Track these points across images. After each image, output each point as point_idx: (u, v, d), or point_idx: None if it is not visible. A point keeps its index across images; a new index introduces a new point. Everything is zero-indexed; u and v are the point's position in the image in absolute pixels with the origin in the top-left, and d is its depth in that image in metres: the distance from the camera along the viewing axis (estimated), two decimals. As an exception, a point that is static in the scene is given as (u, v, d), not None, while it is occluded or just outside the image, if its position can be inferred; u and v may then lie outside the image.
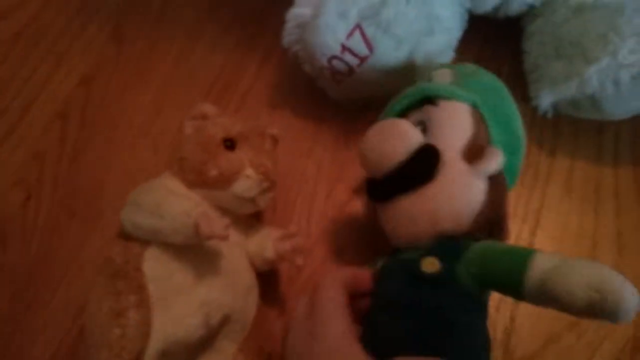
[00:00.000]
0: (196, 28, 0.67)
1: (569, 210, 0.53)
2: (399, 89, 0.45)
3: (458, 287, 0.34)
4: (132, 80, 0.63)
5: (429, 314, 0.34)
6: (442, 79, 0.45)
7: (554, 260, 0.30)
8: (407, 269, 0.36)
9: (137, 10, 0.69)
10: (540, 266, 0.30)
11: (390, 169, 0.39)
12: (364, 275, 0.38)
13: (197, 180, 0.43)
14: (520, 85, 0.58)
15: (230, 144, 0.44)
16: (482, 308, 0.35)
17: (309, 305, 0.36)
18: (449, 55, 0.53)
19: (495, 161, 0.38)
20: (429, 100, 0.41)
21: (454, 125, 0.40)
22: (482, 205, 0.38)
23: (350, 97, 0.56)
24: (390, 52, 0.49)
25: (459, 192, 0.38)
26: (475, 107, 0.41)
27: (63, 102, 0.62)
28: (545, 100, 0.53)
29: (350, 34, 0.47)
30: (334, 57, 0.49)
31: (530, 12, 0.56)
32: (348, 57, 0.48)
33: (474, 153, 0.39)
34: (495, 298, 0.49)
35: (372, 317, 0.37)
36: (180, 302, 0.39)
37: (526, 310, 0.48)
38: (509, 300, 0.49)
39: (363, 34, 0.47)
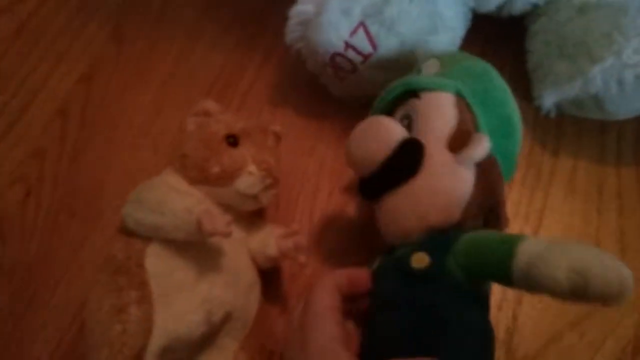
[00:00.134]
0: (196, 27, 0.67)
1: (571, 211, 0.53)
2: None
3: (450, 280, 0.33)
4: (132, 79, 0.63)
5: (423, 311, 0.33)
6: (430, 69, 0.44)
7: (540, 245, 0.29)
8: (399, 266, 0.36)
9: (138, 10, 0.69)
10: (526, 252, 0.29)
11: (375, 167, 0.39)
12: (361, 276, 0.38)
13: (199, 177, 0.43)
14: (523, 84, 0.58)
15: (232, 140, 0.44)
16: (478, 300, 0.35)
17: (303, 308, 0.36)
18: (452, 54, 0.53)
19: (480, 147, 0.37)
20: (413, 93, 0.41)
21: (437, 116, 0.40)
22: (472, 194, 0.37)
23: (353, 95, 0.56)
24: (393, 50, 0.49)
25: (444, 184, 0.37)
26: (459, 95, 0.40)
27: (63, 100, 0.62)
28: (549, 99, 0.53)
29: (353, 32, 0.47)
30: (337, 54, 0.49)
31: (534, 11, 0.56)
32: (351, 55, 0.48)
33: (459, 142, 0.38)
34: (497, 297, 0.49)
35: (371, 317, 0.36)
36: (182, 298, 0.38)
37: (528, 309, 0.48)
38: (511, 299, 0.49)
39: (367, 32, 0.47)
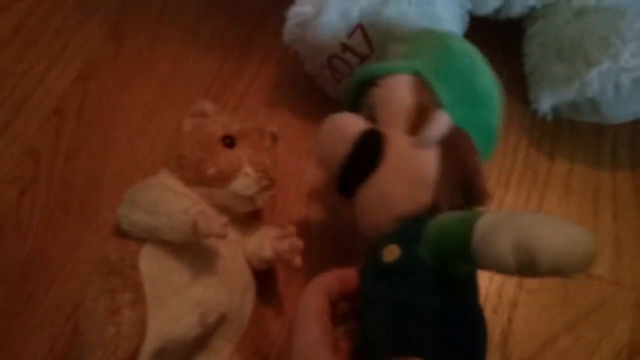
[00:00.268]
0: (195, 28, 0.67)
1: (567, 214, 0.53)
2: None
3: (423, 269, 0.32)
4: (130, 79, 0.63)
5: (401, 305, 0.32)
6: (394, 53, 0.44)
7: (492, 221, 0.28)
8: (374, 262, 0.36)
9: (136, 9, 0.69)
10: (480, 230, 0.28)
11: (340, 165, 0.39)
12: (349, 276, 0.37)
13: (195, 177, 0.43)
14: (520, 87, 0.58)
15: (229, 141, 0.44)
16: (459, 285, 0.33)
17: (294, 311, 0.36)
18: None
19: (437, 124, 0.35)
20: (372, 82, 0.40)
21: (392, 100, 0.38)
22: (439, 173, 0.36)
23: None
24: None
25: (405, 170, 0.36)
26: (416, 75, 0.39)
27: (59, 98, 0.62)
28: (545, 103, 0.53)
29: (351, 33, 0.47)
30: (335, 56, 0.49)
31: (532, 14, 0.56)
32: (349, 57, 0.48)
33: (419, 124, 0.36)
34: (492, 300, 0.49)
35: (360, 317, 0.36)
36: (176, 300, 0.38)
37: (524, 312, 0.48)
38: (507, 302, 0.49)
39: (364, 34, 0.47)
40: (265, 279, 0.48)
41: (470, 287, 0.34)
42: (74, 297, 0.49)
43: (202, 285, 0.40)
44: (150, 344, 0.36)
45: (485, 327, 0.33)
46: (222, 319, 0.41)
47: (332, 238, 0.52)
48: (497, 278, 0.50)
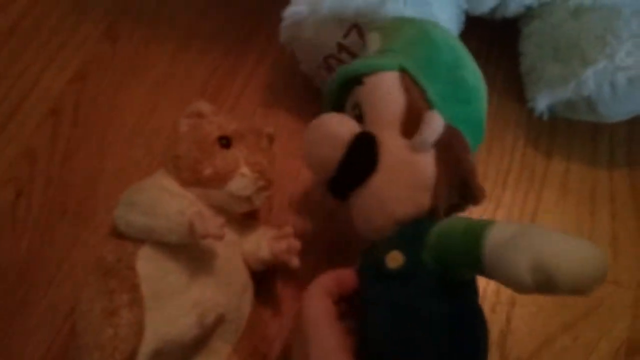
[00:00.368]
0: (191, 28, 0.67)
1: (564, 213, 0.53)
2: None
3: (426, 275, 0.32)
4: (126, 78, 0.63)
5: (402, 310, 0.32)
6: (373, 45, 0.42)
7: (504, 235, 0.28)
8: (375, 267, 0.35)
9: (132, 10, 0.68)
10: (488, 246, 0.28)
11: (333, 169, 0.38)
12: (347, 276, 0.37)
13: (191, 178, 0.43)
14: (516, 87, 0.58)
15: (225, 142, 0.44)
16: (460, 289, 0.33)
17: (298, 318, 0.36)
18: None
19: (432, 127, 0.35)
20: (357, 80, 0.39)
21: (383, 101, 0.37)
22: (436, 175, 0.35)
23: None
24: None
25: (404, 175, 0.36)
26: (403, 71, 0.37)
27: (56, 99, 0.62)
28: (542, 102, 0.53)
29: (347, 34, 0.47)
30: (331, 56, 0.48)
31: (528, 14, 0.56)
32: (345, 57, 0.48)
33: (412, 123, 0.36)
34: (490, 299, 0.49)
35: (359, 317, 0.36)
36: (174, 301, 0.38)
37: (522, 311, 0.48)
38: (505, 301, 0.49)
39: (360, 34, 0.47)
40: (263, 279, 0.48)
41: (470, 290, 0.34)
42: (71, 298, 0.49)
43: (200, 286, 0.40)
44: (148, 345, 0.36)
45: (487, 330, 0.34)
46: (220, 320, 0.41)
47: (329, 238, 0.52)
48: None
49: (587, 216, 0.53)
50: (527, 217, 0.53)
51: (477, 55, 0.57)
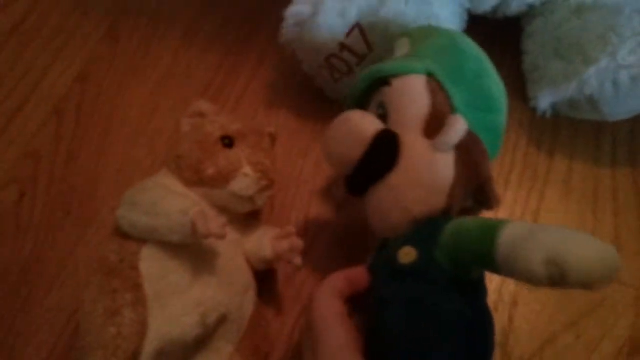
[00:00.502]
0: (192, 27, 0.67)
1: (567, 212, 0.53)
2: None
3: (438, 272, 0.33)
4: (128, 78, 0.63)
5: (414, 306, 0.33)
6: (401, 50, 0.43)
7: (517, 234, 0.28)
8: (388, 262, 0.36)
9: (133, 10, 0.69)
10: (503, 244, 0.29)
11: (354, 165, 0.39)
12: (359, 274, 0.37)
13: (194, 178, 0.43)
14: (519, 85, 0.58)
15: (228, 142, 0.44)
16: (471, 288, 0.34)
17: (307, 318, 0.36)
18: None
19: (455, 130, 0.36)
20: (384, 80, 0.40)
21: (409, 103, 0.38)
22: (454, 177, 0.36)
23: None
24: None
25: (423, 175, 0.36)
26: (430, 76, 0.38)
27: (58, 99, 0.62)
28: (544, 101, 0.53)
29: (349, 33, 0.47)
30: (333, 55, 0.49)
31: (530, 13, 0.56)
32: (347, 56, 0.48)
33: (435, 126, 0.37)
34: (493, 298, 0.49)
35: (370, 314, 0.36)
36: (176, 301, 0.38)
37: (524, 310, 0.48)
38: (507, 300, 0.49)
39: (362, 33, 0.47)
40: (265, 279, 0.48)
41: (481, 290, 0.35)
42: (74, 298, 0.50)
43: (202, 285, 0.40)
44: (150, 345, 0.36)
45: (494, 329, 0.34)
46: (222, 320, 0.41)
47: (331, 237, 0.52)
48: (497, 276, 0.49)
49: (590, 215, 0.53)
50: (530, 216, 0.53)
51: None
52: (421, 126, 0.37)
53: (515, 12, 0.55)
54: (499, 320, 0.48)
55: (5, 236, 0.53)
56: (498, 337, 0.47)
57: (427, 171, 0.36)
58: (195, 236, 0.37)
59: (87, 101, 0.62)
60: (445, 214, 0.37)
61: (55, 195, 0.56)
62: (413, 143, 0.37)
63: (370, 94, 0.42)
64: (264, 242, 0.45)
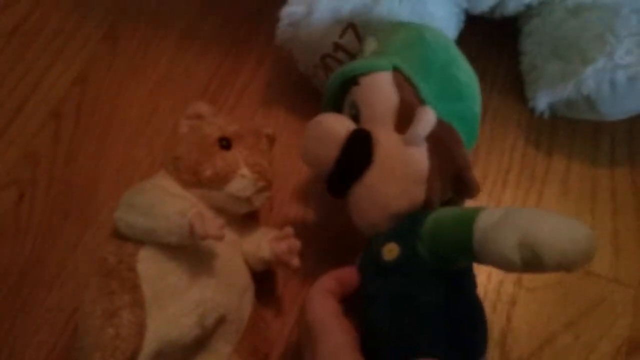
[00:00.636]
0: (191, 28, 0.67)
1: (565, 212, 0.53)
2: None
3: (422, 266, 0.33)
4: (127, 79, 0.63)
5: (400, 301, 0.33)
6: (369, 48, 0.44)
7: (495, 217, 0.28)
8: (373, 260, 0.36)
9: (132, 11, 0.68)
10: (480, 227, 0.29)
11: (330, 166, 0.39)
12: (348, 274, 0.38)
13: (192, 179, 0.43)
14: (517, 86, 0.58)
15: (225, 143, 0.44)
16: (457, 280, 0.34)
17: (303, 320, 0.36)
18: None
19: (424, 121, 0.36)
20: (353, 80, 0.40)
21: (377, 99, 0.39)
22: (430, 168, 0.37)
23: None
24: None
25: (397, 169, 0.36)
26: (397, 70, 0.39)
27: (57, 101, 0.62)
28: (542, 101, 0.53)
29: (343, 33, 0.47)
30: (328, 55, 0.48)
31: (527, 13, 0.56)
32: (341, 56, 0.48)
33: (405, 120, 0.37)
34: (491, 298, 0.49)
35: (360, 313, 0.36)
36: (174, 302, 0.38)
37: (522, 310, 0.48)
38: (505, 300, 0.49)
39: (356, 33, 0.47)
40: (263, 279, 0.48)
41: (468, 282, 0.35)
42: (73, 299, 0.50)
43: (201, 286, 0.40)
44: (149, 346, 0.36)
45: (485, 321, 0.34)
46: (220, 321, 0.41)
47: (329, 238, 0.52)
48: (496, 276, 0.50)
49: (588, 214, 0.53)
50: (528, 216, 0.53)
51: (476, 54, 0.58)
52: (392, 121, 0.38)
53: (512, 12, 0.55)
54: (497, 320, 0.48)
55: (5, 237, 0.53)
56: (496, 336, 0.47)
57: (401, 165, 0.36)
58: (193, 237, 0.37)
59: (87, 102, 0.62)
60: (426, 208, 0.37)
61: (55, 195, 0.56)
62: (386, 139, 0.37)
63: (344, 95, 0.43)
64: (262, 243, 0.45)
